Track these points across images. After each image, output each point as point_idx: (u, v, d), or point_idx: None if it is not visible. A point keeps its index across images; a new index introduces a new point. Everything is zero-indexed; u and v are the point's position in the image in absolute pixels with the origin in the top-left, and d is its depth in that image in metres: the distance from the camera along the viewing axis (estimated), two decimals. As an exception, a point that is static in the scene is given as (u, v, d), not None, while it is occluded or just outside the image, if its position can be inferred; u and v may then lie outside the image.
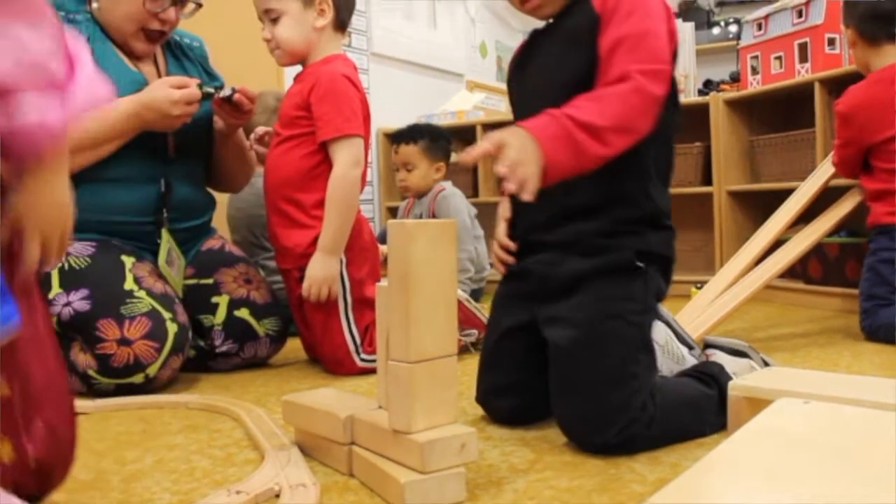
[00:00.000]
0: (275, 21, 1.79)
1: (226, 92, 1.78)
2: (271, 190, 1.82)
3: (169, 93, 1.67)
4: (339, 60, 1.82)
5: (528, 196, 1.05)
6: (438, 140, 2.92)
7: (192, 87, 1.70)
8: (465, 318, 1.96)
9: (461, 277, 2.89)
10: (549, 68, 1.27)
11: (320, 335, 1.79)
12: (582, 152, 1.09)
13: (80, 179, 1.67)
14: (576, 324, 1.17)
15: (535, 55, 1.33)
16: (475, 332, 2.00)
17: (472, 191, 3.61)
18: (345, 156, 1.74)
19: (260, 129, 1.97)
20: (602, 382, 1.13)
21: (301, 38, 1.80)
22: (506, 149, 1.06)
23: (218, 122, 1.90)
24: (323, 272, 1.72)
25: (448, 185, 2.98)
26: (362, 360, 1.77)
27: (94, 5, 1.76)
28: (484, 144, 1.08)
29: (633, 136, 1.13)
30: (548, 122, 1.09)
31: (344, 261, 1.77)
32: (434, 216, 2.89)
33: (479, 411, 1.38)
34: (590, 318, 1.17)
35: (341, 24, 1.86)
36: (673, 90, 1.21)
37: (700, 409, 1.20)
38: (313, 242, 1.74)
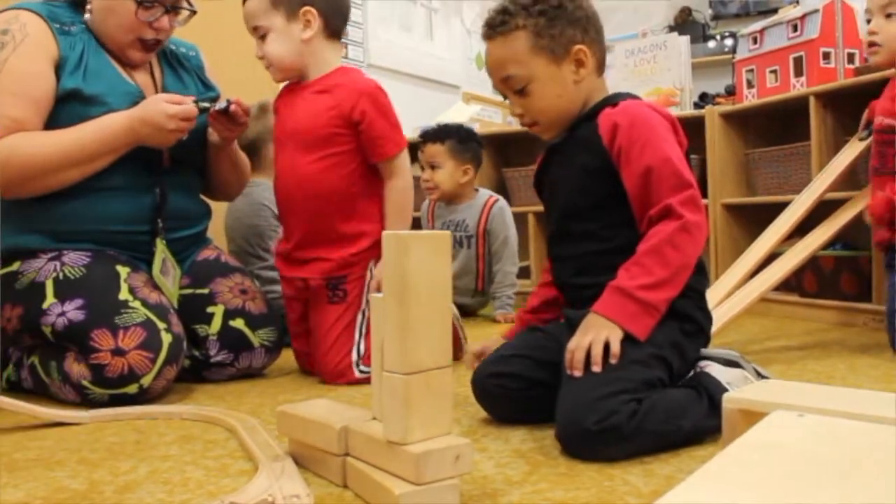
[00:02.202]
0: (263, 38, 1.79)
1: (221, 105, 1.78)
2: (304, 200, 1.80)
3: (165, 107, 1.66)
4: (355, 72, 1.86)
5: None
6: (467, 142, 2.90)
7: (188, 104, 1.70)
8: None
9: (508, 292, 2.92)
10: (572, 190, 1.39)
11: (328, 346, 1.79)
12: (656, 306, 1.23)
13: (75, 189, 1.69)
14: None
15: (555, 170, 1.45)
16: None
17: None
18: (404, 166, 1.79)
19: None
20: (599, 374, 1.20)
21: (290, 52, 1.80)
22: (594, 345, 1.20)
23: (212, 134, 1.90)
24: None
25: (499, 196, 3.01)
26: (361, 371, 1.77)
27: (87, 17, 1.76)
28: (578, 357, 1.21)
29: (692, 266, 1.27)
30: (619, 301, 1.23)
31: (375, 277, 1.80)
32: (486, 226, 2.91)
33: (474, 423, 1.38)
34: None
35: (333, 31, 1.85)
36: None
37: (684, 409, 1.22)
38: (343, 257, 1.79)
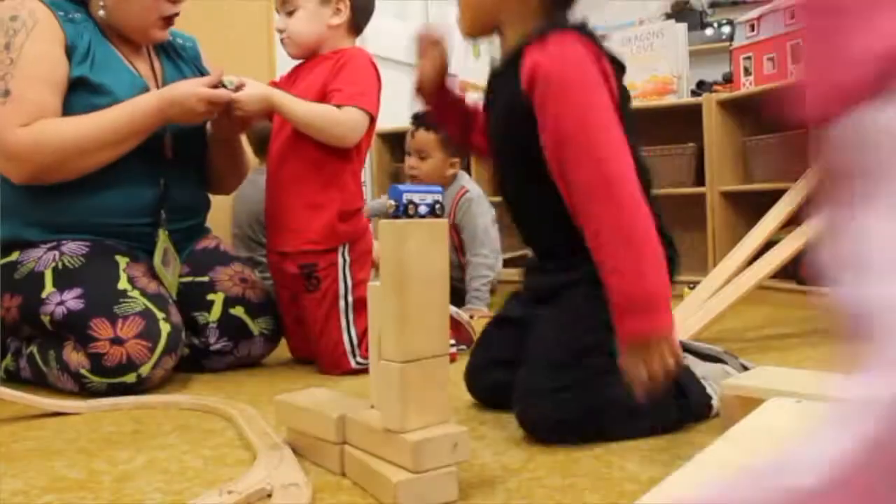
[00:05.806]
0: (290, 13, 1.82)
1: (235, 82, 1.78)
2: (276, 176, 1.82)
3: (197, 90, 1.67)
4: (356, 49, 1.87)
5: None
6: None
7: (221, 90, 1.70)
8: (453, 332, 1.94)
9: (475, 284, 2.70)
10: (501, 135, 1.29)
11: (318, 333, 1.79)
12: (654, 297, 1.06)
13: (76, 181, 1.68)
14: (551, 315, 1.25)
15: (492, 103, 1.34)
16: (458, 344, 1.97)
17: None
18: (350, 119, 1.74)
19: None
20: (555, 355, 1.18)
21: (314, 33, 1.83)
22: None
23: (212, 130, 1.90)
24: (262, 94, 1.72)
25: (470, 183, 2.85)
26: (358, 363, 1.76)
27: (101, 14, 1.74)
28: None
29: (650, 221, 1.08)
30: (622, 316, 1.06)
31: (348, 260, 1.78)
32: (455, 219, 2.75)
33: (472, 411, 1.39)
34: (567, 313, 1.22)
35: (356, 27, 1.90)
36: (623, 95, 1.20)
37: (646, 409, 1.15)
38: (321, 227, 1.76)
